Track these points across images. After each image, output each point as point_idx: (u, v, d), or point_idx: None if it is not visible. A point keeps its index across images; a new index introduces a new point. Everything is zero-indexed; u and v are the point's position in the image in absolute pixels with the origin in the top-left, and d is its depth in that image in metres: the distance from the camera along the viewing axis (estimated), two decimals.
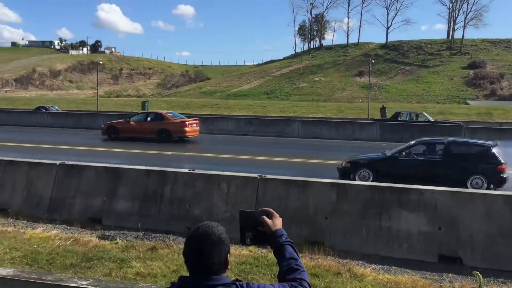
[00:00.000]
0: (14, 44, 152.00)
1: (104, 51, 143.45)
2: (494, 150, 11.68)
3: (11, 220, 8.73)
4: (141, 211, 8.64)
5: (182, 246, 6.80)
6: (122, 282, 3.19)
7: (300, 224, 7.74)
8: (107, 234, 7.94)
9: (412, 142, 12.74)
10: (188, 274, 1.97)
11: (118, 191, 8.91)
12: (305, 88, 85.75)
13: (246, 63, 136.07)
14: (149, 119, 23.16)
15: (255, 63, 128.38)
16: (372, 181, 10.75)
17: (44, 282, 2.77)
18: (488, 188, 10.89)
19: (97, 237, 7.79)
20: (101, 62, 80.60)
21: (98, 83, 76.33)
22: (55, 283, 2.75)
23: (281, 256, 2.14)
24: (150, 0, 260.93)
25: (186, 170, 9.09)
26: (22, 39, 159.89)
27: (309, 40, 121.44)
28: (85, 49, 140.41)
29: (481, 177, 11.40)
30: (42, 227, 8.38)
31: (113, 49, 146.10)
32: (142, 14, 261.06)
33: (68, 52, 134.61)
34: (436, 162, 11.92)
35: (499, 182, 11.41)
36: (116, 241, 7.51)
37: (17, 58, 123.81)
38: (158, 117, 23.00)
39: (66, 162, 9.58)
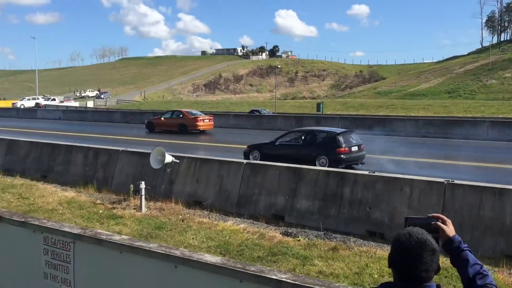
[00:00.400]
0: (203, 53, 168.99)
1: (281, 55, 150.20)
2: (338, 136, 14.53)
3: (206, 212, 9.69)
4: (321, 211, 8.79)
5: (363, 249, 6.77)
6: (319, 279, 3.28)
7: (495, 236, 7.01)
8: (289, 231, 8.27)
9: (287, 132, 16.60)
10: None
11: (299, 190, 9.20)
12: (493, 85, 77.40)
13: (425, 61, 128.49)
14: (173, 116, 28.59)
15: (434, 60, 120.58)
16: (260, 160, 14.08)
17: (248, 272, 2.99)
18: (330, 166, 12.85)
19: (280, 233, 8.17)
20: (279, 66, 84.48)
21: (275, 86, 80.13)
22: (258, 274, 2.94)
23: (464, 262, 2.07)
24: (324, 3, 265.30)
25: (366, 172, 8.97)
26: (210, 48, 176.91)
27: (498, 32, 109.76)
28: (264, 54, 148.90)
29: (324, 157, 14.14)
30: (232, 220, 9.13)
31: (289, 53, 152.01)
32: (317, 17, 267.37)
33: (249, 58, 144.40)
34: (298, 146, 15.12)
35: (337, 161, 13.86)
36: (298, 239, 7.78)
37: (206, 65, 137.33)
38: (179, 114, 28.44)
39: (252, 161, 10.26)
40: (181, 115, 28.24)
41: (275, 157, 13.26)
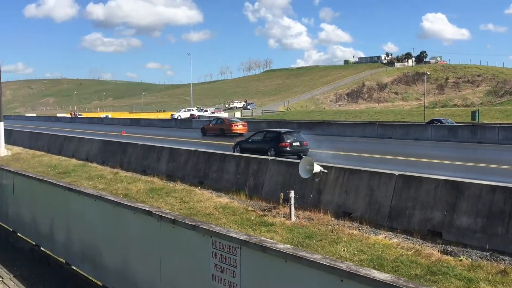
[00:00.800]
0: (346, 62, 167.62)
1: (429, 61, 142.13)
2: (282, 135, 20.14)
3: (356, 224, 9.47)
4: (485, 229, 8.00)
5: None
6: None
7: None
8: (449, 249, 7.69)
9: (256, 132, 22.83)
10: None
11: (459, 206, 8.50)
12: None
13: None
14: (217, 122, 36.38)
15: None
16: (240, 152, 19.25)
17: None
18: (276, 156, 16.43)
19: (438, 251, 7.63)
20: (428, 73, 79.97)
21: (423, 94, 75.96)
22: None
23: None
24: (478, 4, 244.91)
25: None
26: (353, 57, 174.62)
27: None
28: (410, 61, 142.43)
29: (273, 149, 19.39)
30: (384, 234, 8.78)
31: (438, 59, 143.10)
32: (469, 19, 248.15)
33: (394, 65, 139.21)
34: (259, 142, 20.76)
35: (281, 152, 18.94)
36: (459, 258, 7.18)
37: (349, 74, 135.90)
38: (221, 121, 36.58)
39: (404, 173, 9.79)
40: (221, 122, 36.11)
41: (247, 149, 19.73)
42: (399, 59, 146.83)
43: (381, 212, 9.65)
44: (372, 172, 10.35)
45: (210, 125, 36.51)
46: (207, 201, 11.98)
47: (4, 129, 26.25)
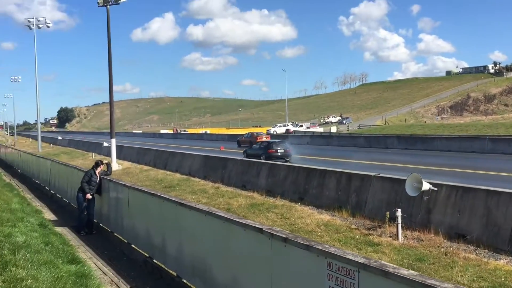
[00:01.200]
0: (448, 73, 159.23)
1: None
2: (271, 143, 27.78)
3: (472, 247, 8.75)
4: None
5: None
6: None
7: None
8: None
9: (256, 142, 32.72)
10: None
11: None
12: None
13: None
14: (248, 136, 44.67)
15: None
16: (245, 157, 23.63)
17: None
18: (265, 159, 23.06)
19: None
20: None
21: None
22: None
23: None
24: None
25: None
26: (456, 67, 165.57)
27: None
28: None
29: (264, 155, 25.66)
30: (505, 259, 8.01)
31: None
32: None
33: (503, 75, 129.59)
34: (258, 149, 27.85)
35: (269, 157, 24.78)
36: None
37: (452, 86, 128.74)
38: (250, 135, 45.04)
39: None
40: (250, 135, 44.40)
41: (250, 155, 25.86)
42: (509, 69, 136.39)
43: (501, 235, 8.82)
44: (490, 191, 9.51)
45: (243, 138, 45.20)
46: (308, 217, 11.81)
47: (116, 145, 28.28)
